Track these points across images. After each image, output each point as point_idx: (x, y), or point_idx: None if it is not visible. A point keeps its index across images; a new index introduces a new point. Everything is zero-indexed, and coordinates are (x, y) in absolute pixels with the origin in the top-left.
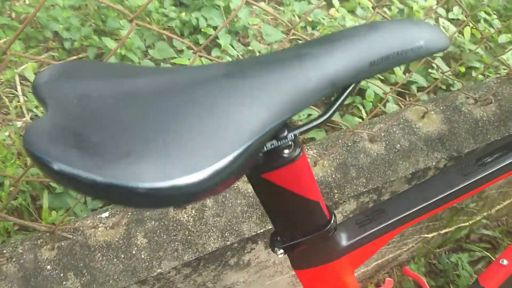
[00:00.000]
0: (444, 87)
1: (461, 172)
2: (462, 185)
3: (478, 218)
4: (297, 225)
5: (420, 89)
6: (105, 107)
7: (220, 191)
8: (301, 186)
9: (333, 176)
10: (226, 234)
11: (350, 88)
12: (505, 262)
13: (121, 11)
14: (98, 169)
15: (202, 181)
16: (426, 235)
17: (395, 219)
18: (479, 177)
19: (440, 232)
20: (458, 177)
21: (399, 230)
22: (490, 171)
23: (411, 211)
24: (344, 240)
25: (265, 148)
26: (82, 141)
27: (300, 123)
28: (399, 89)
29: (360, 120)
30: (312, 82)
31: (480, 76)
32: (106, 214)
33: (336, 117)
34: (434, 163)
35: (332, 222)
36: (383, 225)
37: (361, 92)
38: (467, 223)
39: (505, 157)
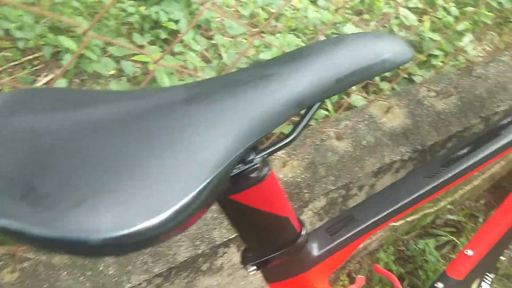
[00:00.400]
0: (406, 75)
1: (427, 174)
2: (428, 188)
3: (442, 204)
4: (268, 241)
5: (383, 78)
6: (55, 146)
7: (191, 225)
8: (270, 204)
9: (303, 176)
10: (197, 243)
11: (316, 106)
12: (470, 252)
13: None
14: (49, 223)
15: (164, 223)
16: (394, 224)
17: (364, 225)
18: (443, 179)
19: (407, 219)
20: (424, 180)
21: (369, 235)
22: (453, 173)
23: (380, 216)
24: (315, 250)
25: (231, 173)
26: (29, 190)
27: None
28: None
29: (327, 112)
30: (279, 104)
31: (440, 63)
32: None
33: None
34: (399, 157)
35: (302, 234)
36: (353, 231)
37: None
38: (433, 209)
39: (468, 157)
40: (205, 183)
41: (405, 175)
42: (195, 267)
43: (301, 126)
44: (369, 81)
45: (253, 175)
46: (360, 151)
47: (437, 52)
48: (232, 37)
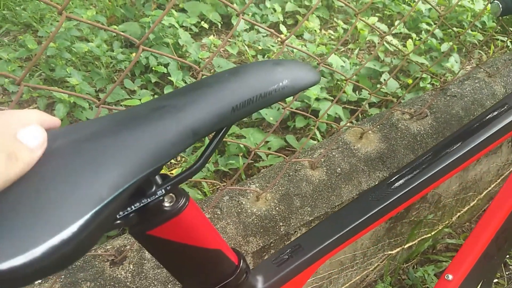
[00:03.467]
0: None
1: (374, 197)
2: (375, 210)
3: (440, 228)
4: (201, 277)
5: (372, 104)
6: None
7: (71, 263)
8: (194, 237)
9: (277, 208)
10: (170, 286)
11: (220, 134)
12: (450, 277)
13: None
14: None
15: (35, 261)
16: (390, 252)
17: (311, 253)
18: (390, 200)
19: (403, 247)
20: (371, 203)
21: (320, 263)
22: (400, 193)
23: (328, 242)
24: (260, 283)
25: (132, 208)
26: None
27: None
28: (352, 107)
29: (316, 142)
30: (171, 135)
31: (429, 86)
32: (38, 280)
33: (292, 142)
34: (376, 183)
35: (241, 266)
36: (300, 260)
37: (315, 114)
38: (430, 235)
39: (414, 178)
40: (83, 220)
41: (353, 199)
42: None
43: (207, 153)
44: (358, 107)
45: (167, 206)
46: (335, 179)
47: (424, 75)
48: None
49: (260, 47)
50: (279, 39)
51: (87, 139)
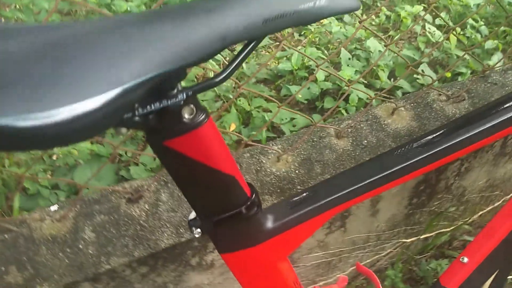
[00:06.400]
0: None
1: (398, 155)
2: (397, 168)
3: (459, 224)
4: (211, 201)
5: (406, 94)
6: None
7: (91, 134)
8: (210, 156)
9: (297, 171)
10: (181, 231)
11: (249, 47)
12: (466, 259)
13: None
14: None
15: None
16: (405, 240)
17: (327, 200)
18: (416, 159)
19: (419, 237)
20: (394, 159)
21: (333, 213)
22: (428, 153)
23: (344, 192)
24: (270, 222)
25: (152, 107)
26: None
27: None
28: (384, 94)
29: None
30: (198, 34)
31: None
32: (55, 207)
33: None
34: None
35: (252, 199)
36: (315, 205)
37: (346, 97)
38: (448, 229)
39: (443, 141)
40: (103, 96)
41: (376, 155)
42: (183, 260)
43: (231, 66)
44: (392, 96)
45: (186, 118)
46: (360, 150)
47: (463, 70)
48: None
49: None
50: None
51: (113, 28)
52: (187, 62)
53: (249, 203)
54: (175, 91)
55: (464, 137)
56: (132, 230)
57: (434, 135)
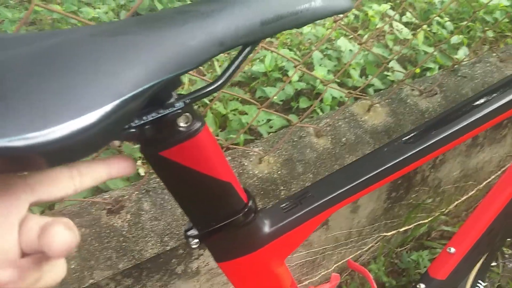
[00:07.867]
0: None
1: (389, 151)
2: (389, 164)
3: (436, 214)
4: (207, 209)
5: (377, 91)
6: None
7: (78, 156)
8: (206, 164)
9: (279, 172)
10: (166, 239)
11: (246, 50)
12: (453, 250)
13: None
14: None
15: (54, 141)
16: (385, 234)
17: (321, 201)
18: (409, 154)
19: (399, 230)
20: (386, 156)
21: (328, 214)
22: (420, 148)
23: (337, 192)
24: (267, 227)
25: (149, 117)
26: None
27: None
28: (358, 93)
29: None
30: (196, 40)
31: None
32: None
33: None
34: None
35: (249, 205)
36: (309, 208)
37: (319, 96)
38: (426, 220)
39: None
40: (100, 110)
41: (367, 154)
42: (169, 269)
43: (229, 72)
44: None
45: (182, 126)
46: (340, 148)
47: (431, 65)
48: (227, 53)
49: None
50: None
51: (108, 35)
52: (184, 69)
53: (246, 209)
54: (172, 99)
55: (454, 130)
56: (115, 241)
57: (422, 130)
